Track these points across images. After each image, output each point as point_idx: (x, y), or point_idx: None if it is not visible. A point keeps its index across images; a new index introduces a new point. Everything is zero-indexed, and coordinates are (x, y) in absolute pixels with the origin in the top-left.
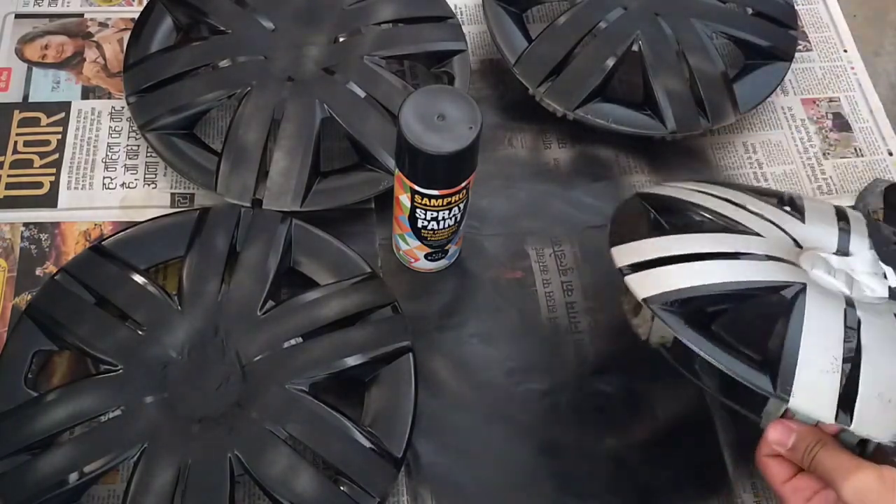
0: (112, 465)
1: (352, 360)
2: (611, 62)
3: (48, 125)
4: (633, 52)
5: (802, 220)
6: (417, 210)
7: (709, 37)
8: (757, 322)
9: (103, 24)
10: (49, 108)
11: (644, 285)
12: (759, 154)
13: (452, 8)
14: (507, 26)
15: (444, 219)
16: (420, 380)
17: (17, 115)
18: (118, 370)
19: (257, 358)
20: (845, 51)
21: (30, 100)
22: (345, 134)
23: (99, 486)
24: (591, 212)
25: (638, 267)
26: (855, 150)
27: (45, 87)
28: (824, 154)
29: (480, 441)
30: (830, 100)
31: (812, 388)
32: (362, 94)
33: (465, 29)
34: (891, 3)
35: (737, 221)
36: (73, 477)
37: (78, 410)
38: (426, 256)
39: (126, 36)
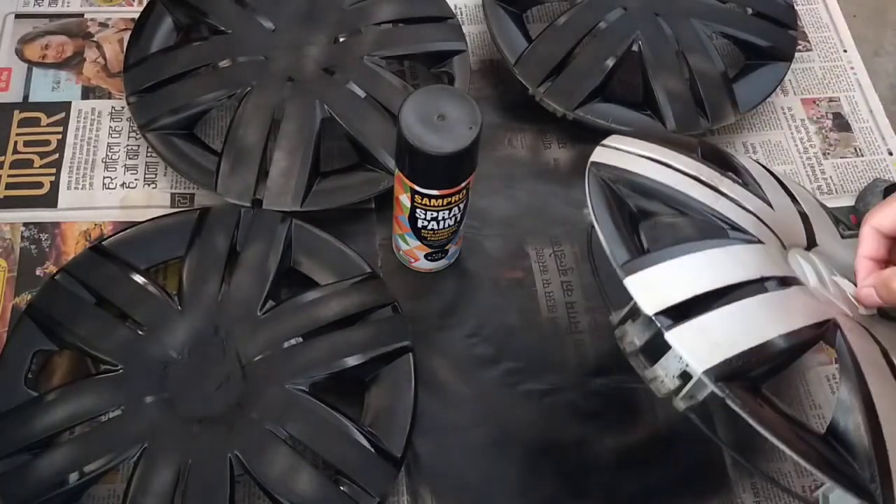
0: (112, 465)
1: (352, 360)
2: (610, 62)
3: (48, 125)
4: (633, 52)
5: (770, 204)
6: (417, 210)
7: (709, 37)
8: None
9: (103, 25)
10: (49, 108)
11: (698, 350)
12: (759, 154)
13: (452, 8)
14: (507, 26)
15: (444, 219)
16: (420, 380)
17: (18, 115)
18: (118, 370)
19: (257, 358)
20: (845, 51)
21: (30, 100)
22: (345, 134)
23: (99, 486)
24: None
25: (675, 315)
26: (855, 149)
27: (46, 87)
28: (824, 154)
29: (480, 441)
30: (830, 100)
31: None
32: (362, 94)
33: (465, 29)
34: (891, 3)
35: (725, 217)
36: (74, 477)
37: (78, 410)
38: (426, 256)
39: (126, 36)
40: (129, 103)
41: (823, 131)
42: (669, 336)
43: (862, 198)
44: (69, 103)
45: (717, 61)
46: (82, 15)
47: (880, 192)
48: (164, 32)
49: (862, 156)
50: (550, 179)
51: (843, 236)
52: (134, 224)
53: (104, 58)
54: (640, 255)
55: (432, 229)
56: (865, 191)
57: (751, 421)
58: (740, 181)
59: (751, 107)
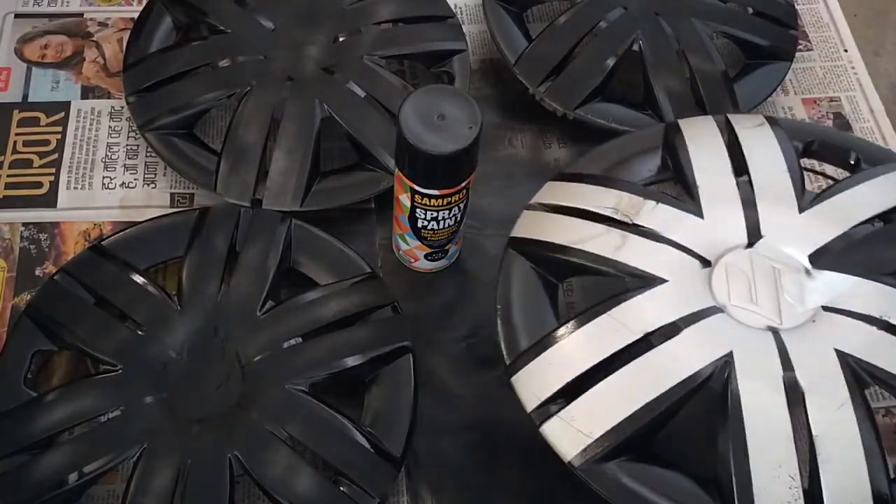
0: (112, 466)
1: (352, 360)
2: (611, 62)
3: (48, 125)
4: (634, 51)
5: (700, 213)
6: (417, 210)
7: (709, 36)
8: (695, 433)
9: (103, 24)
10: (49, 107)
11: (565, 441)
12: None
13: (452, 8)
14: (507, 26)
15: (444, 219)
16: (420, 380)
17: (17, 115)
18: (118, 370)
19: (257, 358)
20: (846, 50)
21: (29, 99)
22: (345, 134)
23: (99, 486)
24: None
25: (547, 408)
26: None
27: (45, 86)
28: None
29: (480, 441)
30: (831, 99)
31: None
32: (362, 93)
33: (465, 29)
34: (891, 3)
35: (627, 266)
36: (73, 477)
37: (77, 410)
38: (426, 256)
39: (126, 36)
40: (128, 103)
41: None
42: (543, 430)
43: None
44: (68, 103)
45: (717, 61)
46: (82, 14)
47: None
48: (164, 32)
49: None
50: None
51: (807, 207)
52: (133, 224)
53: (103, 57)
54: (530, 345)
55: (432, 229)
56: None
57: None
58: (671, 195)
59: (751, 106)
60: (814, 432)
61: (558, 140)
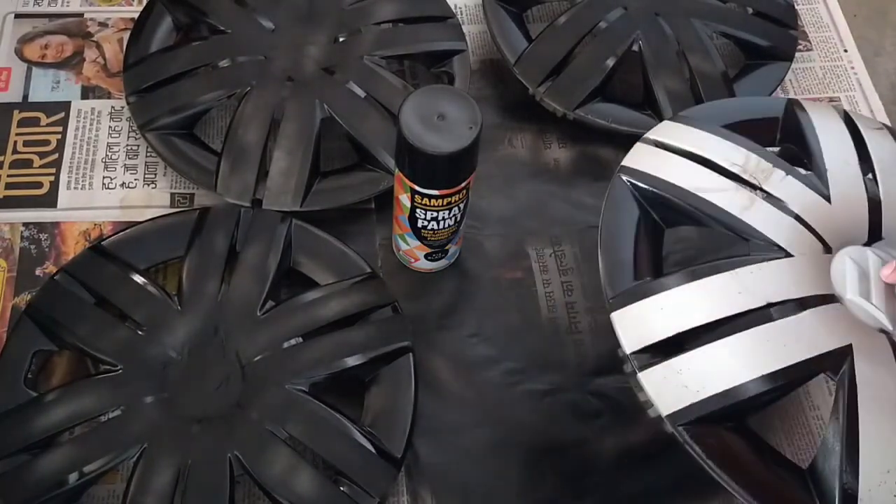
0: (112, 466)
1: (352, 360)
2: (611, 62)
3: (48, 125)
4: (633, 52)
5: (828, 198)
6: (417, 210)
7: (709, 37)
8: (796, 417)
9: (103, 24)
10: (49, 107)
11: (665, 393)
12: None
13: (452, 8)
14: (507, 26)
15: (444, 219)
16: (420, 380)
17: (17, 115)
18: (118, 370)
19: (257, 358)
20: (845, 51)
21: (30, 99)
22: (345, 134)
23: (99, 486)
24: (591, 212)
25: (651, 355)
26: None
27: (45, 86)
28: None
29: (480, 441)
30: (831, 100)
31: None
32: (362, 94)
33: (465, 29)
34: (891, 3)
35: (754, 229)
36: (73, 477)
37: (78, 410)
38: (426, 256)
39: (126, 36)
40: (128, 103)
41: None
42: (641, 377)
43: None
44: (69, 103)
45: (717, 61)
46: (82, 15)
47: None
48: (164, 32)
49: None
50: (550, 179)
51: None
52: (134, 224)
53: (104, 57)
54: (637, 284)
55: (432, 229)
56: None
57: (705, 465)
58: (800, 170)
59: None
60: None
61: (558, 140)
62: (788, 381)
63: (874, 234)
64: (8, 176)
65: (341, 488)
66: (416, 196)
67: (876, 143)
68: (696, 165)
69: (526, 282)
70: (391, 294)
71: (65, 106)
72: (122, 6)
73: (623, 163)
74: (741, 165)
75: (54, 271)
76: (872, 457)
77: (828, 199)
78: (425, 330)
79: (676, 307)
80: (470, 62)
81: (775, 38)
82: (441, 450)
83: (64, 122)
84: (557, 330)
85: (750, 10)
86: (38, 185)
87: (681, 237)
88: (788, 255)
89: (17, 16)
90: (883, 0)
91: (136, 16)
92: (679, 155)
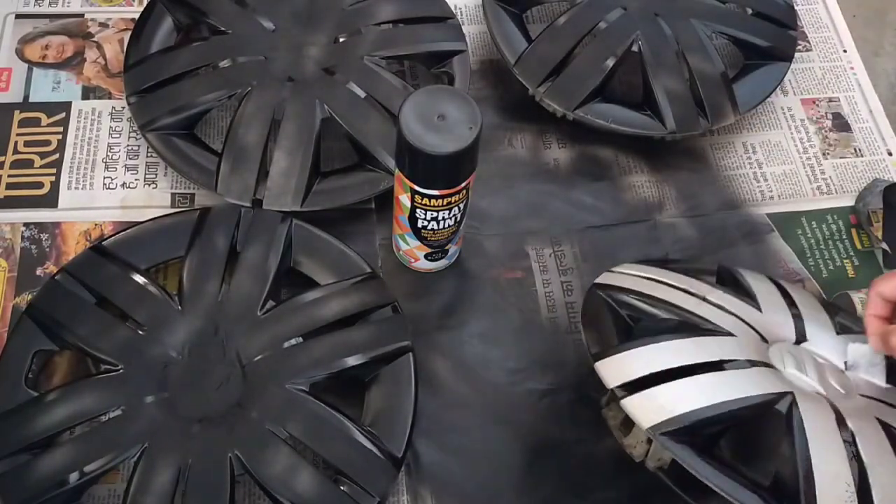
0: (112, 465)
1: (352, 360)
2: (610, 62)
3: (48, 125)
4: (633, 52)
5: (759, 308)
6: (417, 210)
7: (708, 37)
8: (759, 442)
9: (104, 25)
10: (49, 108)
11: (645, 411)
12: (759, 154)
13: (452, 8)
14: (507, 26)
15: (444, 219)
16: (420, 380)
17: (18, 116)
18: (118, 370)
19: (257, 358)
20: (845, 51)
21: (30, 100)
22: (345, 134)
23: (99, 486)
24: (591, 212)
25: (631, 387)
26: (854, 150)
27: (46, 87)
28: (824, 154)
29: (480, 441)
30: (830, 100)
31: None
32: (362, 94)
33: (465, 29)
34: (890, 3)
35: (704, 318)
36: (74, 477)
37: (78, 410)
38: (426, 256)
39: (126, 36)
40: (129, 103)
41: (823, 131)
42: (624, 403)
43: (862, 198)
44: (69, 103)
45: (716, 61)
46: (82, 15)
47: (879, 192)
48: (165, 33)
49: (862, 156)
50: (550, 179)
51: (839, 332)
52: (134, 224)
53: (104, 58)
54: (617, 345)
55: (432, 229)
56: (865, 191)
57: (685, 465)
58: (732, 292)
59: (751, 107)
60: (864, 460)
61: (558, 140)
62: (744, 407)
63: (800, 338)
64: (9, 176)
65: (341, 488)
66: (416, 196)
67: (791, 288)
68: (654, 283)
69: (526, 282)
70: (391, 294)
71: (65, 106)
72: (123, 6)
73: (596, 281)
74: (686, 286)
75: (55, 271)
76: (823, 464)
77: (759, 309)
78: (425, 330)
79: (648, 355)
80: (470, 62)
81: (775, 39)
82: (441, 450)
83: (64, 123)
84: (557, 330)
85: (749, 11)
86: (39, 185)
87: (679, 237)
88: (732, 335)
89: (18, 16)
90: (882, 0)
91: (136, 16)
92: (637, 278)
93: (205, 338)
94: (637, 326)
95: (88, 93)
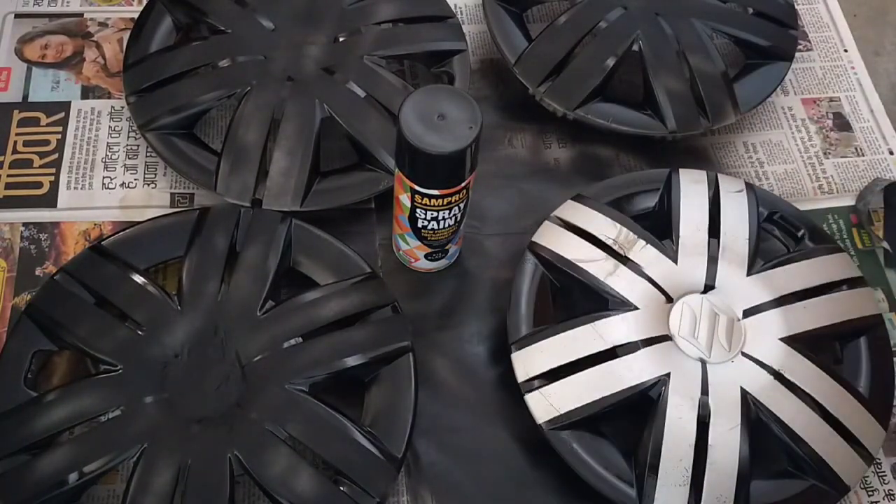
0: (112, 466)
1: (352, 360)
2: (611, 62)
3: (48, 125)
4: (634, 51)
5: (675, 258)
6: (417, 210)
7: (709, 37)
8: (632, 427)
9: (103, 24)
10: (49, 107)
11: (539, 408)
12: (760, 153)
13: (452, 8)
14: (507, 26)
15: (444, 218)
16: (420, 380)
17: (17, 115)
18: (118, 370)
19: (257, 358)
20: (846, 50)
21: (29, 99)
22: (345, 134)
23: (99, 486)
24: None
25: (537, 382)
26: (855, 149)
27: (45, 86)
28: (825, 153)
29: (480, 441)
30: (831, 99)
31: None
32: (362, 93)
33: (465, 29)
34: (891, 3)
35: (613, 293)
36: (73, 477)
37: (77, 410)
38: (426, 256)
39: (126, 36)
40: (128, 103)
41: (824, 131)
42: (526, 399)
43: (862, 197)
44: (69, 103)
45: (717, 61)
46: (82, 15)
47: (880, 191)
48: (164, 32)
49: (862, 155)
50: (550, 179)
51: (754, 272)
52: (133, 224)
53: (104, 57)
54: (527, 335)
55: (432, 229)
56: (866, 190)
57: (563, 457)
58: (655, 242)
59: (751, 106)
60: (710, 443)
61: (558, 140)
62: (620, 400)
63: (709, 285)
64: (8, 176)
65: (341, 488)
66: (417, 196)
67: (729, 208)
68: (582, 240)
69: None
70: (391, 294)
71: (65, 106)
72: (122, 6)
73: (532, 239)
74: (613, 238)
75: (54, 271)
76: (670, 450)
77: (675, 260)
78: (425, 330)
79: (552, 349)
80: (470, 62)
81: (775, 38)
82: (441, 450)
83: (64, 122)
84: None
85: (750, 10)
86: (38, 185)
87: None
88: (636, 308)
89: (17, 16)
90: (883, 0)
91: (135, 16)
92: (571, 231)
93: (204, 338)
94: (560, 293)
95: (88, 92)
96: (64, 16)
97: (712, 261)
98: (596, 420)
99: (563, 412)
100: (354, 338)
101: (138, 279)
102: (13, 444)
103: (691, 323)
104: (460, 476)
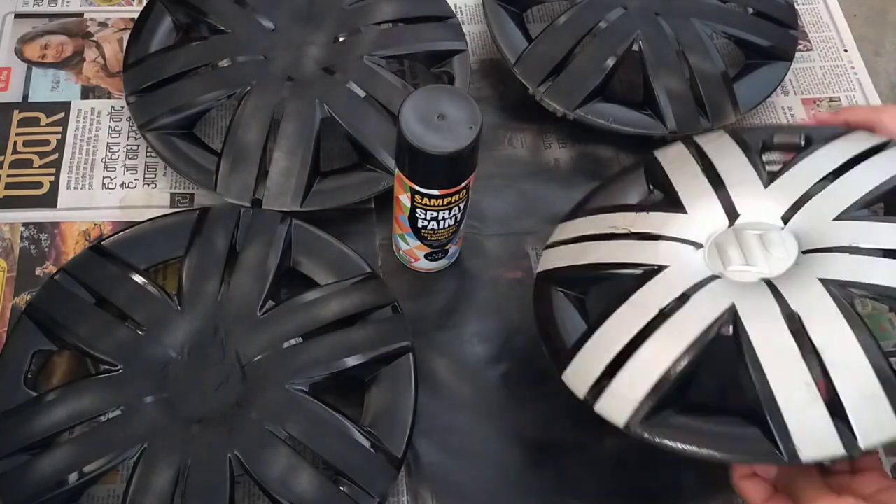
0: (112, 466)
1: (352, 360)
2: (611, 62)
3: (48, 125)
4: (634, 51)
5: (684, 209)
6: (417, 210)
7: (709, 36)
8: (720, 377)
9: (103, 24)
10: (49, 107)
11: (613, 411)
12: None
13: (452, 7)
14: (507, 26)
15: (444, 219)
16: (420, 380)
17: (17, 115)
18: (118, 370)
19: (257, 358)
20: (846, 50)
21: (29, 99)
22: (345, 134)
23: (99, 486)
24: None
25: (599, 388)
26: None
27: (45, 86)
28: None
29: (480, 441)
30: (831, 100)
31: (810, 434)
32: (362, 93)
33: (465, 29)
34: (891, 3)
35: (634, 263)
36: (73, 477)
37: (78, 410)
38: (426, 256)
39: (126, 35)
40: (128, 103)
41: None
42: (597, 410)
43: None
44: (69, 103)
45: (717, 61)
46: (82, 14)
47: None
48: (164, 32)
49: None
50: (551, 179)
51: (766, 184)
52: (133, 224)
53: (104, 57)
54: (569, 350)
55: (432, 229)
56: None
57: (671, 450)
58: (658, 203)
59: (751, 107)
60: (816, 345)
61: (558, 140)
62: (694, 355)
63: (732, 215)
64: (8, 176)
65: (341, 488)
66: (416, 196)
67: (715, 147)
68: (584, 243)
69: (526, 282)
70: (391, 294)
71: (65, 106)
72: (122, 6)
73: (537, 271)
74: (611, 227)
75: (54, 271)
76: (778, 373)
77: (685, 211)
78: (425, 330)
79: (599, 347)
80: (470, 62)
81: (775, 38)
82: (441, 450)
83: (64, 122)
84: None
85: (750, 10)
86: (38, 185)
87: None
88: (664, 267)
89: (17, 16)
90: (883, 0)
91: (135, 16)
92: (569, 244)
93: (204, 338)
94: (587, 300)
95: (88, 92)
96: (64, 16)
97: (723, 194)
98: (680, 392)
99: (640, 398)
100: (354, 338)
101: (138, 279)
102: (13, 444)
103: (737, 254)
104: (461, 476)
